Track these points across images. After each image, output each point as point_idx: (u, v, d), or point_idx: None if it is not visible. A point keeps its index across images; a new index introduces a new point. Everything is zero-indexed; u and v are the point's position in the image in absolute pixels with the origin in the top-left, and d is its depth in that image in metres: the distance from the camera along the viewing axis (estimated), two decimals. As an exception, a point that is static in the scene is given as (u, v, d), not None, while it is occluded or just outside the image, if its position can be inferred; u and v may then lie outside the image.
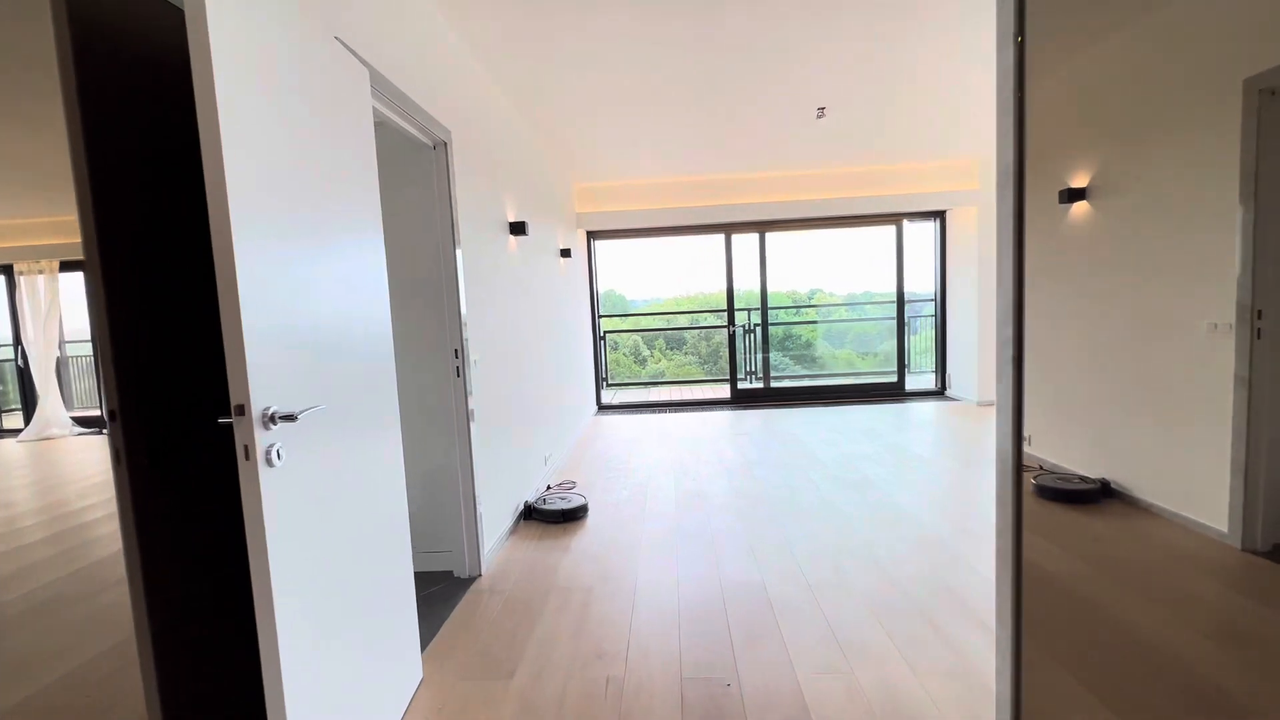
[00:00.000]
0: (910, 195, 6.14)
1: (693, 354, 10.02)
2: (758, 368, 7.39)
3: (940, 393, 6.83)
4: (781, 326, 8.48)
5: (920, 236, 6.89)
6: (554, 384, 4.64)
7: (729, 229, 6.74)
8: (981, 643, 2.07)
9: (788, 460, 4.44)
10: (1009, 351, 1.40)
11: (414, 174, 2.68)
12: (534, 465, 3.90)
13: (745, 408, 6.76)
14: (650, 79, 3.55)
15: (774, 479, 4.00)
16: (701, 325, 9.74)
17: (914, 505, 3.38)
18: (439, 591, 2.68)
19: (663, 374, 9.92)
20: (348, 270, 1.67)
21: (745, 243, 6.86)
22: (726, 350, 8.90)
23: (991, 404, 6.08)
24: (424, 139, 2.57)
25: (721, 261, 6.90)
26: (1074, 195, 1.30)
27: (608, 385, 8.02)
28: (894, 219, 6.68)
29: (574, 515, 3.45)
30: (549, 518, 3.44)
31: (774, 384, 7.20)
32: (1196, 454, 1.00)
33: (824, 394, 7.00)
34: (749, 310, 7.31)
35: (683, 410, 6.81)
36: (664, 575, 2.70)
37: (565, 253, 5.27)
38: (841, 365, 8.62)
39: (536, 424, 4.02)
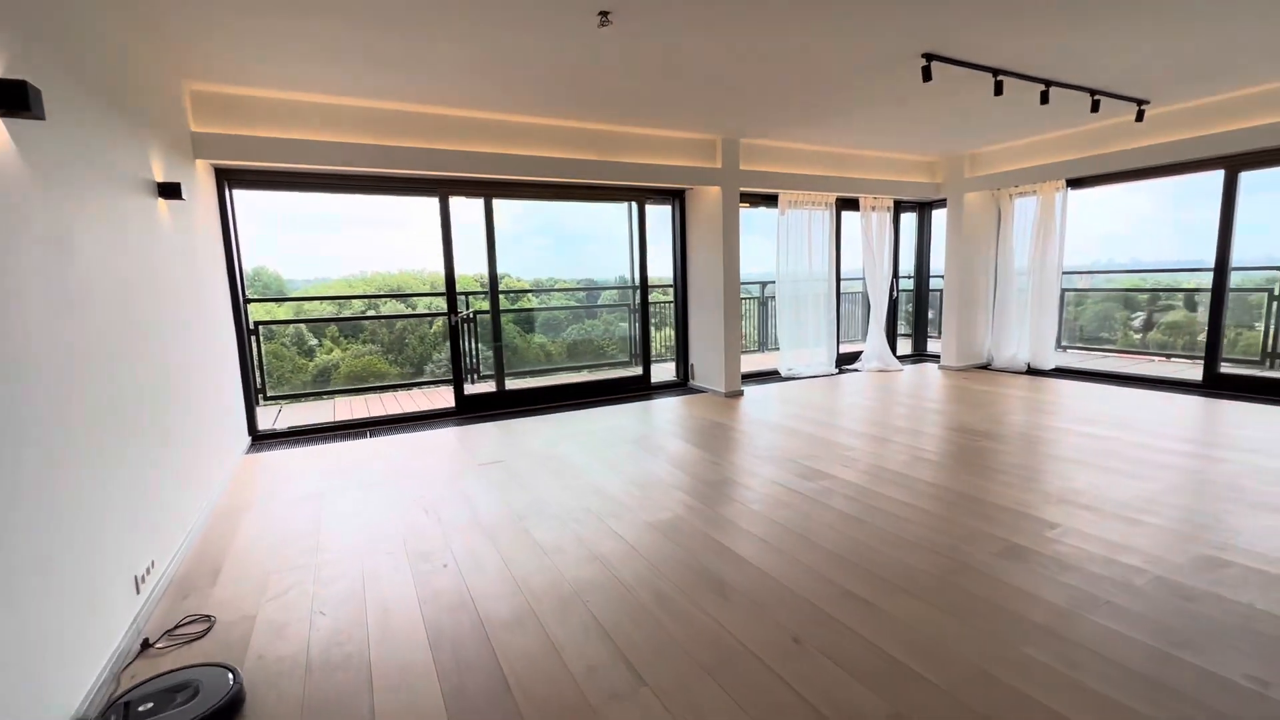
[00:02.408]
0: (653, 166, 5.47)
1: (373, 342, 8.00)
2: (481, 365, 6.02)
3: (683, 384, 6.48)
4: (512, 314, 7.17)
5: (659, 218, 6.37)
6: (143, 423, 2.51)
7: (446, 188, 5.09)
8: None
9: (570, 502, 3.23)
10: None
11: None
12: (93, 610, 1.87)
13: (476, 419, 5.29)
14: None
15: (566, 542, 2.75)
16: (426, 313, 7.81)
17: (766, 561, 2.56)
18: None
19: (337, 365, 7.69)
20: None
21: (467, 209, 5.32)
22: (414, 339, 7.32)
23: (739, 394, 5.92)
24: None
25: (422, 229, 5.26)
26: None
27: (266, 400, 5.54)
28: (637, 194, 5.98)
29: (210, 727, 1.64)
30: (142, 753, 1.56)
31: (508, 385, 5.88)
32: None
33: (566, 394, 5.98)
34: (468, 295, 5.88)
35: (391, 429, 4.97)
36: None
37: (169, 190, 3.01)
38: (579, 359, 7.78)
39: (101, 515, 1.96)
